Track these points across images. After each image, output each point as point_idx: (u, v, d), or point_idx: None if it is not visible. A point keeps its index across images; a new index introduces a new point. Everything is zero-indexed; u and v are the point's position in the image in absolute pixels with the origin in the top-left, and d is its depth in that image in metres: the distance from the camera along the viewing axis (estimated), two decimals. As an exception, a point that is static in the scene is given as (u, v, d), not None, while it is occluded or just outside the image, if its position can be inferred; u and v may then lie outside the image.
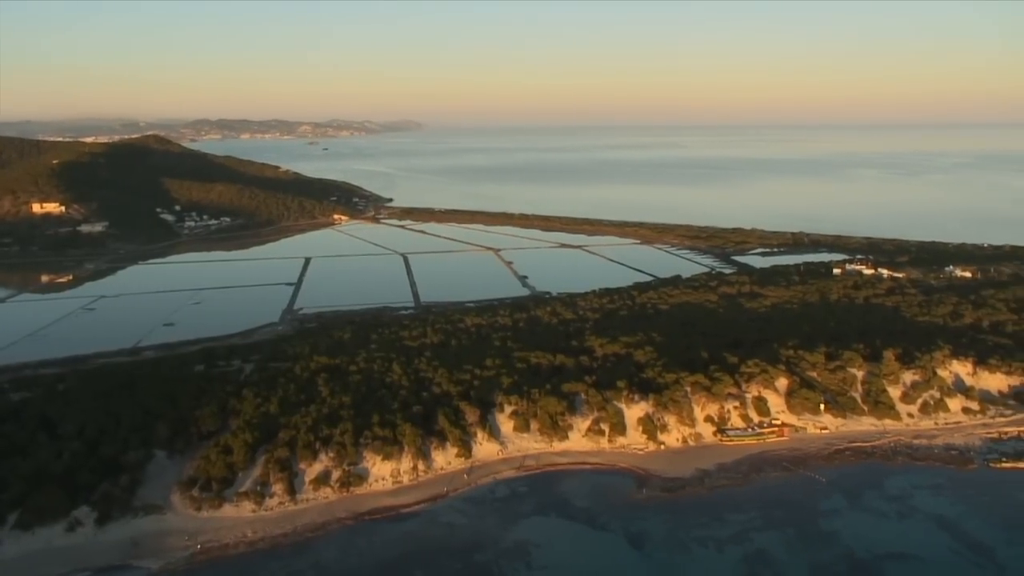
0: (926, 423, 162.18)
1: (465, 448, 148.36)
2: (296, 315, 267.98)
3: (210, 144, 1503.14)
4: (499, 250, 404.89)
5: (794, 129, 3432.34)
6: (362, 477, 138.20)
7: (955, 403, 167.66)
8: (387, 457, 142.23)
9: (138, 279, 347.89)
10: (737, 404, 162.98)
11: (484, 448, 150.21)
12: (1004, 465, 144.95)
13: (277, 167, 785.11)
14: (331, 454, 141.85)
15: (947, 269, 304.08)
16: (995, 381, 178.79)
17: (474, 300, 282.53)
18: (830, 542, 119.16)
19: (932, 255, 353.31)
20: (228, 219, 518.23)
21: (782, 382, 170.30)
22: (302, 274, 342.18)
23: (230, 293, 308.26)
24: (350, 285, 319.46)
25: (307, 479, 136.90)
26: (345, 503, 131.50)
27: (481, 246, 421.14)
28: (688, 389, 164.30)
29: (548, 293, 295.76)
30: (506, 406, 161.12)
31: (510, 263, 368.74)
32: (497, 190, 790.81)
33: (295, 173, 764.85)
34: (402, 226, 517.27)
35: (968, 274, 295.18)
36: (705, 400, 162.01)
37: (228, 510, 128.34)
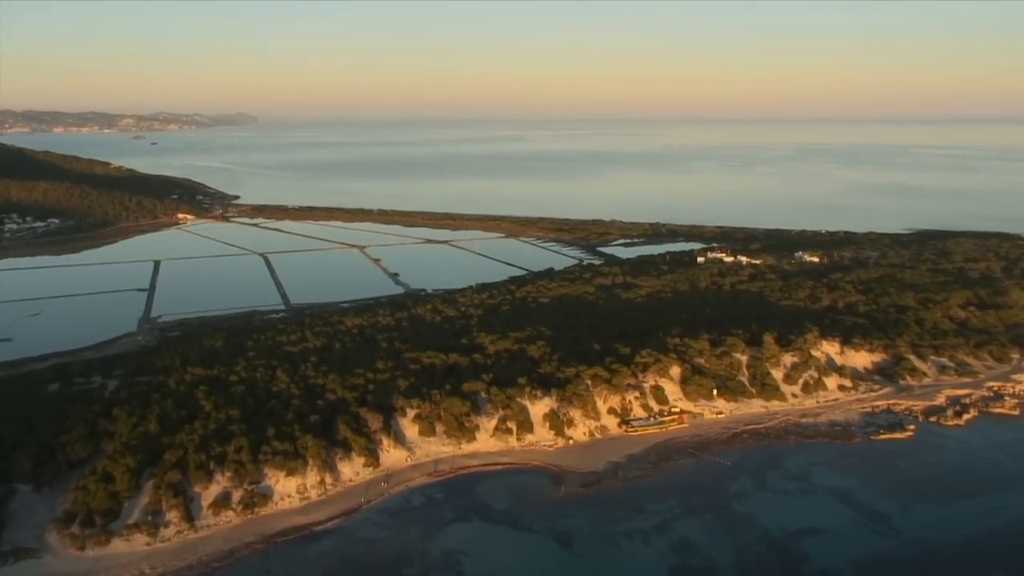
0: (809, 402, 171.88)
1: (372, 457, 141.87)
2: (155, 323, 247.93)
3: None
4: (364, 247, 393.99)
5: (626, 123, 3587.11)
6: (266, 496, 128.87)
7: (831, 381, 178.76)
8: (291, 472, 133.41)
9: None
10: (637, 394, 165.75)
11: (392, 455, 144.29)
12: (882, 437, 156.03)
13: (108, 163, 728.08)
14: (228, 473, 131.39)
15: (797, 255, 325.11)
16: (860, 359, 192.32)
17: (348, 300, 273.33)
18: (747, 524, 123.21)
19: (779, 242, 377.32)
20: (57, 220, 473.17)
21: (675, 370, 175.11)
22: (154, 278, 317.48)
23: (73, 302, 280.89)
24: (211, 289, 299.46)
25: (205, 503, 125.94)
26: (251, 526, 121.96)
27: (344, 243, 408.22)
28: (589, 382, 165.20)
29: (423, 290, 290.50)
30: (408, 410, 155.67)
31: (378, 260, 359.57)
32: (349, 186, 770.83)
33: (129, 169, 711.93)
34: (255, 224, 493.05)
35: (816, 259, 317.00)
36: (607, 392, 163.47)
37: (118, 545, 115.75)
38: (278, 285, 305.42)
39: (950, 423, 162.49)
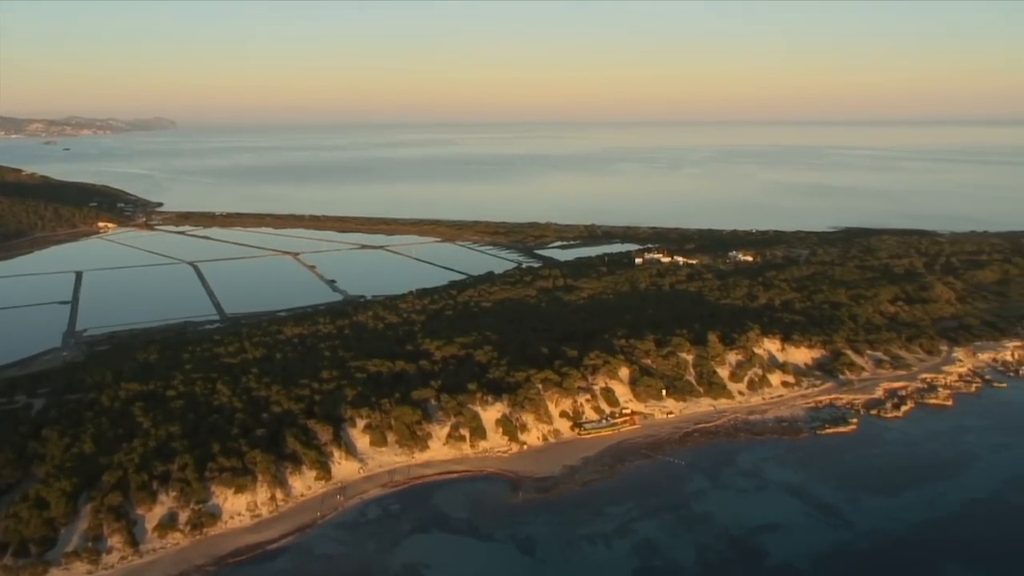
0: (755, 399, 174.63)
1: (324, 470, 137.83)
2: (82, 337, 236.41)
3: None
4: (297, 254, 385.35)
5: (546, 127, 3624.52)
6: (214, 515, 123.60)
7: (775, 378, 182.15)
8: (240, 489, 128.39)
9: None
10: (588, 397, 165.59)
11: (344, 467, 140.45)
12: (827, 431, 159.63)
13: (19, 170, 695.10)
14: (173, 493, 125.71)
15: (731, 254, 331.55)
16: (800, 355, 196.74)
17: (285, 308, 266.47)
18: (705, 522, 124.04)
19: (712, 241, 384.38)
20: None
21: (624, 371, 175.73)
22: (76, 290, 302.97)
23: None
24: (139, 300, 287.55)
25: (149, 525, 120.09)
26: (201, 547, 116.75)
27: (277, 250, 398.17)
28: (540, 386, 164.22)
29: (362, 297, 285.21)
30: (358, 420, 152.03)
31: (313, 267, 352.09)
32: (277, 191, 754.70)
33: (42, 176, 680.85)
34: (182, 232, 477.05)
35: (749, 258, 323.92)
36: (558, 396, 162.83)
37: (57, 575, 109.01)
38: (210, 294, 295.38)
39: (890, 415, 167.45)
